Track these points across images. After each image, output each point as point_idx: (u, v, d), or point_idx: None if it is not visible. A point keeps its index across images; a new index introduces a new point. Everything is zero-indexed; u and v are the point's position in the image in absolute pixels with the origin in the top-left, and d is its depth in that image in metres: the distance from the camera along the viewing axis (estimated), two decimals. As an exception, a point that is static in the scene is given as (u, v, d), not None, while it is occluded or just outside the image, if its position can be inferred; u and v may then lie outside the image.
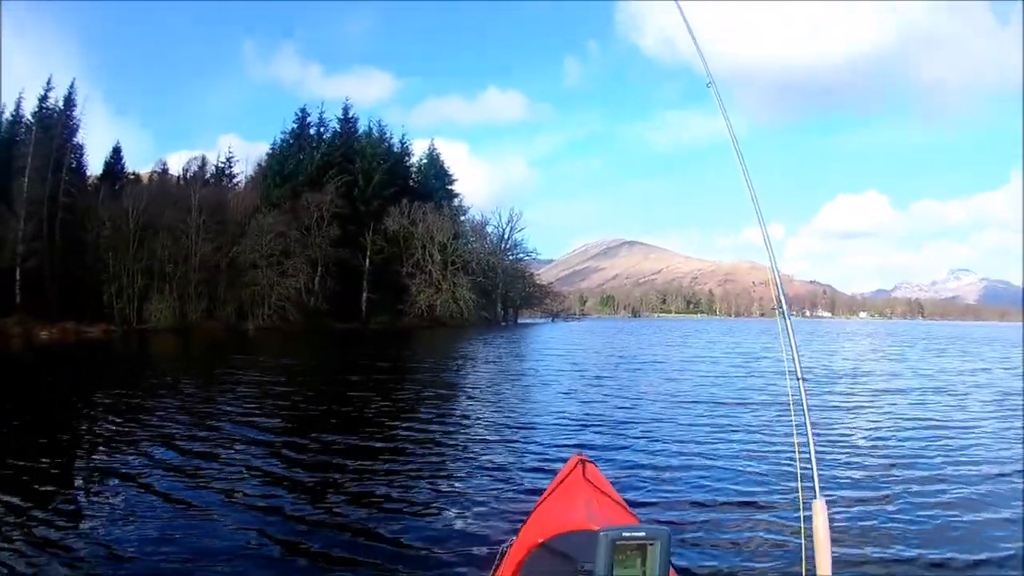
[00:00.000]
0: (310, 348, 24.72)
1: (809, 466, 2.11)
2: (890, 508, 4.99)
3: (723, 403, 10.81)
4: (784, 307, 2.37)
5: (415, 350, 24.95)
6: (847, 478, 5.87)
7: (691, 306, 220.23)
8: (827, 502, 2.29)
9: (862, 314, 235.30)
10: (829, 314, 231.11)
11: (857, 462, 6.44)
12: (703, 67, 2.72)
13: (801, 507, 2.07)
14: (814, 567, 1.95)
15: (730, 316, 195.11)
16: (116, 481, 5.60)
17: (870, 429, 8.43)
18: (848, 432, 8.16)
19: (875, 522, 4.68)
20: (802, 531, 2.04)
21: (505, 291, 63.25)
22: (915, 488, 5.54)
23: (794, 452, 2.23)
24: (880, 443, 7.46)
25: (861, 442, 7.52)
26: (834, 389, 13.08)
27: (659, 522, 4.50)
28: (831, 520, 4.07)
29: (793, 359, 2.27)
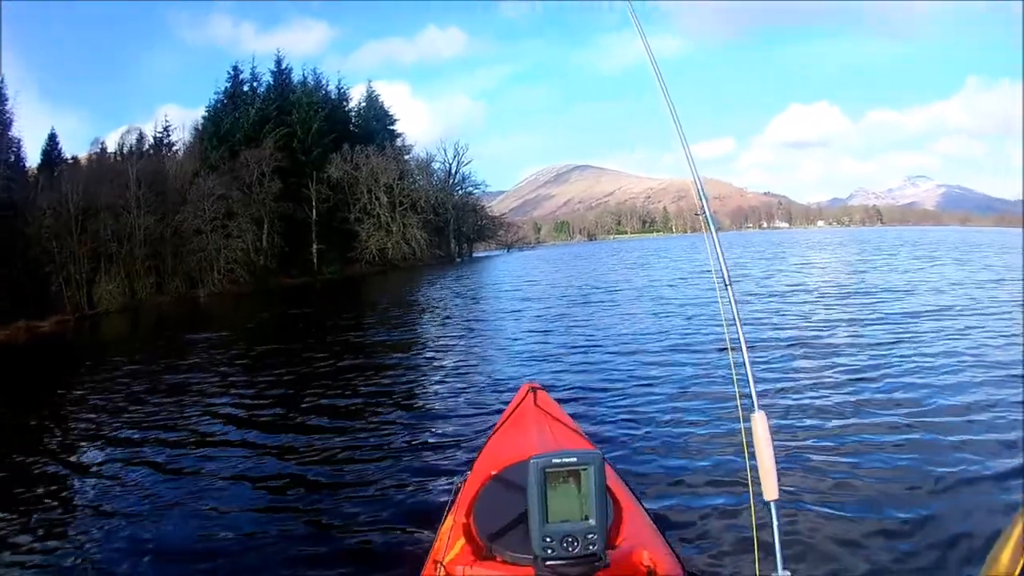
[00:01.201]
0: (256, 309, 24.96)
1: (747, 378, 2.13)
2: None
3: (681, 329, 10.80)
4: (707, 214, 2.49)
5: (361, 299, 25.28)
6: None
7: (647, 225, 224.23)
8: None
9: (820, 223, 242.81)
10: (786, 225, 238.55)
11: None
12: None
13: (741, 420, 2.08)
14: (760, 484, 1.99)
15: (685, 232, 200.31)
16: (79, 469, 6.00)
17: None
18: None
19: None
20: (744, 446, 2.06)
21: (457, 227, 64.51)
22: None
23: (738, 366, 2.19)
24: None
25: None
26: (856, 314, 11.37)
27: (608, 441, 4.91)
28: (803, 453, 4.67)
29: (721, 267, 2.35)
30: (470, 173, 67.23)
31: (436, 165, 63.71)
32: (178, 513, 4.59)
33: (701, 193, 2.50)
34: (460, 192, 66.18)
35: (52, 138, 38.78)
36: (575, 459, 1.73)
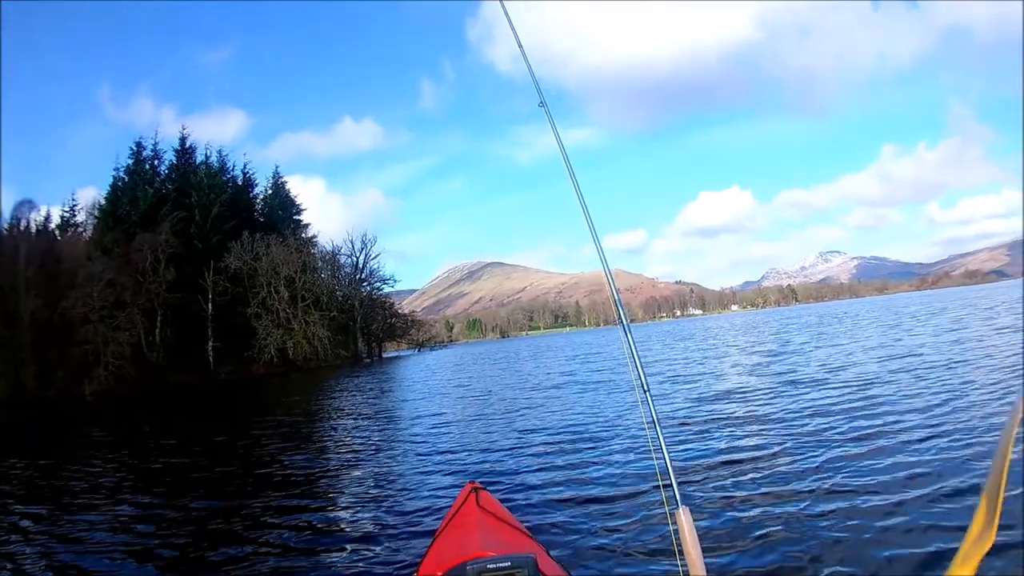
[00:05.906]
0: (143, 414, 23.08)
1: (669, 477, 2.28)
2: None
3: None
4: (624, 322, 2.63)
5: (265, 407, 22.35)
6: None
7: (559, 320, 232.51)
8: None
9: (734, 307, 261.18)
10: (700, 311, 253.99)
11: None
12: (535, 88, 3.11)
13: (669, 518, 2.20)
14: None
15: (598, 326, 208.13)
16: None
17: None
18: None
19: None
20: (673, 541, 2.18)
21: (365, 324, 64.80)
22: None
23: (660, 466, 2.33)
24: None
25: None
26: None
27: (554, 541, 4.91)
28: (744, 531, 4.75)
29: (639, 372, 2.49)
30: (378, 267, 69.03)
31: (342, 258, 64.86)
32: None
33: (618, 303, 2.73)
34: (368, 288, 67.06)
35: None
36: (509, 563, 2.02)
